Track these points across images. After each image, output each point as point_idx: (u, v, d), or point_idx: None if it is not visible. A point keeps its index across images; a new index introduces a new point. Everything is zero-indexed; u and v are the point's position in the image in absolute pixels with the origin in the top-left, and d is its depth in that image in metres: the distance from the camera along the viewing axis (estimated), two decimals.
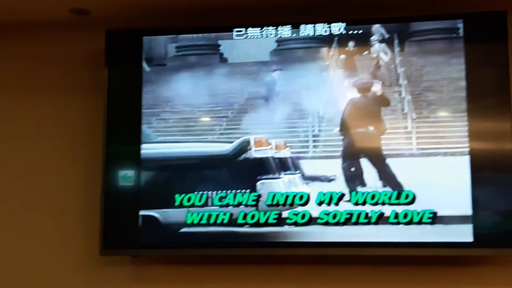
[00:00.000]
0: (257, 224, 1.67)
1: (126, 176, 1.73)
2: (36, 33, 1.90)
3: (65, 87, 1.88)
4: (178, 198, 1.70)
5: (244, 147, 1.70)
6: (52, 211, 1.81)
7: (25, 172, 1.84)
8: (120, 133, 1.75)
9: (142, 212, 1.70)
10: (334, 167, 1.69)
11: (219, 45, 1.77)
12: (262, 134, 1.71)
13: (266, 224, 1.67)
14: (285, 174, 1.70)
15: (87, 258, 1.77)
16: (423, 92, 1.70)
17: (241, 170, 1.70)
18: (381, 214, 1.64)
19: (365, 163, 1.69)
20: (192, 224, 1.69)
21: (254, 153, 1.70)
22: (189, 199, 1.69)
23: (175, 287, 1.76)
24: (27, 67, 1.90)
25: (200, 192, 1.69)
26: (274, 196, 1.67)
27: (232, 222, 1.68)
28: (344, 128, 1.70)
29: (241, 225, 1.68)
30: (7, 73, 1.93)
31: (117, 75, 1.80)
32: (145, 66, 1.78)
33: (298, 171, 1.70)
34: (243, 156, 1.70)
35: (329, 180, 1.68)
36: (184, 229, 1.70)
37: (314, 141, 1.72)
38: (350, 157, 1.70)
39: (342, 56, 1.73)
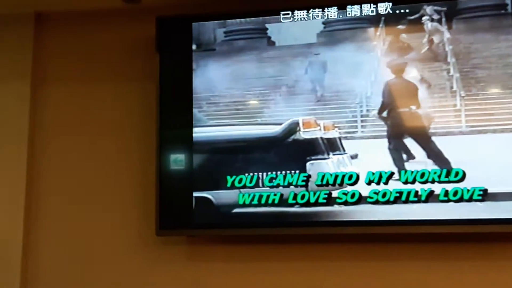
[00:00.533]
0: (307, 204, 1.72)
1: (179, 159, 1.79)
2: (88, 22, 1.98)
3: (119, 74, 1.95)
4: (229, 179, 1.75)
5: (292, 128, 1.74)
6: (110, 195, 1.89)
7: (84, 156, 1.92)
8: (173, 117, 1.81)
9: (195, 194, 1.77)
10: (382, 147, 1.72)
11: (266, 29, 1.81)
12: (310, 116, 1.75)
13: (316, 204, 1.72)
14: (334, 155, 1.73)
15: (144, 238, 1.83)
16: (471, 70, 1.70)
17: (290, 152, 1.74)
18: (431, 192, 1.66)
19: (410, 142, 1.71)
20: (244, 205, 1.75)
21: (303, 134, 1.74)
22: (240, 181, 1.75)
23: (228, 266, 1.80)
24: (82, 56, 1.98)
25: (251, 174, 1.74)
26: (323, 176, 1.71)
27: (283, 202, 1.73)
28: (383, 110, 1.73)
29: (292, 205, 1.73)
30: (62, 62, 1.99)
31: (168, 61, 1.85)
32: (195, 51, 1.83)
33: (346, 152, 1.73)
34: (292, 137, 1.74)
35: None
36: (236, 210, 1.75)
37: (362, 121, 1.74)
38: (396, 137, 1.72)
39: (389, 36, 1.74)
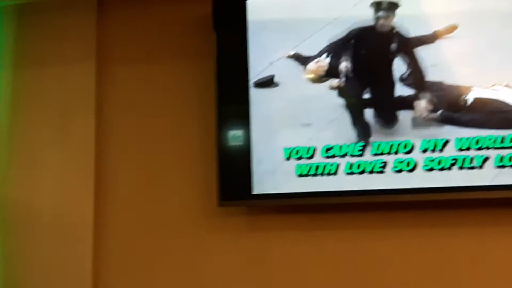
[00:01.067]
0: (362, 172, 1.80)
1: (238, 134, 1.91)
2: (147, 4, 2.09)
3: (178, 53, 2.07)
4: (286, 151, 1.85)
5: None
6: (174, 169, 2.03)
7: (148, 132, 2.06)
8: (230, 94, 1.92)
9: (254, 166, 1.87)
10: None
11: None
12: None
13: (371, 172, 1.79)
14: None
15: (206, 210, 1.96)
16: None
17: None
18: (486, 158, 1.72)
19: None
20: (301, 175, 1.84)
21: None
22: (297, 152, 1.85)
23: (287, 234, 1.91)
24: (142, 36, 2.12)
25: (307, 146, 1.85)
26: (378, 145, 1.79)
27: (339, 172, 1.81)
28: None
29: (348, 174, 1.81)
30: (124, 43, 2.14)
31: (224, 38, 1.95)
32: (249, 29, 1.92)
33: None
34: None
35: None
36: (293, 180, 1.84)
37: None
38: None
39: None
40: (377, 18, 1.84)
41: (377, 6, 1.84)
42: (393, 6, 1.83)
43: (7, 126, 2.16)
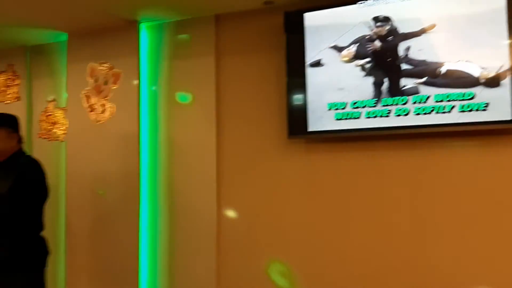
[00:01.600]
0: (375, 117, 2.71)
1: (299, 98, 2.87)
2: (245, 19, 3.09)
3: (265, 47, 3.03)
4: (329, 105, 2.83)
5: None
6: (262, 118, 3.05)
7: (248, 97, 3.10)
8: (295, 71, 2.89)
9: (309, 114, 2.87)
10: None
11: None
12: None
13: (381, 116, 2.69)
14: None
15: (280, 141, 2.96)
16: None
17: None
18: (453, 106, 2.65)
19: None
20: (337, 119, 2.79)
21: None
22: (335, 105, 2.80)
23: (330, 155, 2.87)
24: (244, 39, 3.12)
25: (342, 101, 2.81)
26: (386, 100, 2.73)
27: (361, 116, 2.74)
28: None
29: (366, 118, 2.73)
30: (232, 46, 3.15)
31: (291, 38, 2.88)
32: (306, 31, 2.86)
33: None
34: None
35: None
36: (333, 122, 2.81)
37: None
38: None
39: None
40: (376, 27, 2.76)
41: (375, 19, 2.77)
42: (386, 19, 2.75)
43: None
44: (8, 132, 2.87)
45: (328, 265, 2.87)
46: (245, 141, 3.14)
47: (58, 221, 3.70)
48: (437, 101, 2.65)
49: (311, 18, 2.90)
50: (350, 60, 2.85)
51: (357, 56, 2.84)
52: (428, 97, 2.66)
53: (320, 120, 2.88)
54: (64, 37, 3.76)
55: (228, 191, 3.18)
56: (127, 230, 3.36)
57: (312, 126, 2.89)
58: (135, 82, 3.41)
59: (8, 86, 4.15)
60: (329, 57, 2.87)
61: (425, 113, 2.67)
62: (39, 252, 2.91)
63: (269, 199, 3.06)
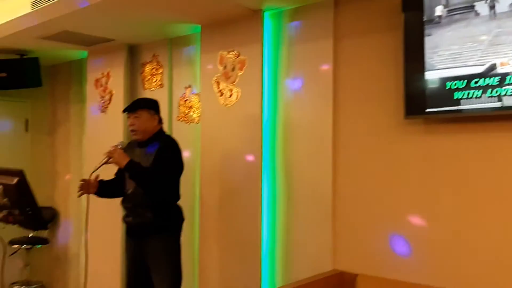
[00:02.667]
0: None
1: (418, 79, 2.82)
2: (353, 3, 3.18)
3: (383, 27, 3.04)
4: (448, 84, 2.76)
5: (492, 66, 2.61)
6: (381, 98, 3.05)
7: (367, 75, 3.16)
8: (412, 61, 2.84)
9: (427, 95, 2.83)
10: None
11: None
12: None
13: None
14: None
15: (398, 121, 2.94)
16: None
17: None
18: None
19: None
20: (457, 99, 2.72)
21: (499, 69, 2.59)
22: (455, 84, 2.72)
23: (448, 135, 2.77)
24: (360, 22, 3.19)
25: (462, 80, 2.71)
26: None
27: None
28: None
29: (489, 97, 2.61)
30: (348, 28, 3.22)
31: (408, 15, 2.84)
32: (425, 8, 2.81)
33: None
34: (492, 72, 2.61)
35: None
36: (452, 102, 2.72)
37: None
38: None
39: None
40: None
41: None
42: None
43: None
44: (151, 114, 3.40)
45: (448, 248, 2.84)
46: (362, 122, 3.19)
47: (194, 193, 4.15)
48: None
49: None
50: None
51: None
52: None
53: (439, 100, 2.79)
54: (198, 29, 4.17)
55: (344, 170, 3.30)
56: (250, 202, 3.67)
57: (430, 106, 2.83)
58: (259, 67, 3.67)
59: (153, 75, 4.73)
60: None
61: None
62: (177, 218, 3.40)
63: (385, 179, 3.10)
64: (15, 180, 2.83)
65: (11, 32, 4.46)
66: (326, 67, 3.36)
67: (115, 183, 3.38)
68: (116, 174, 3.46)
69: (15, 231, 5.33)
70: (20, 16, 4.27)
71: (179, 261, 3.33)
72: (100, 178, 3.27)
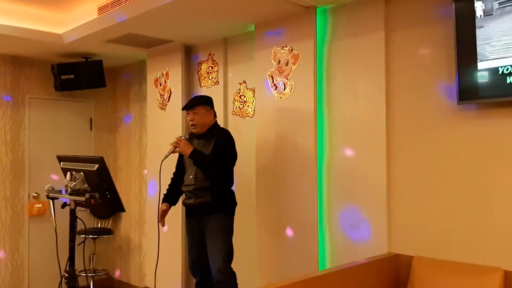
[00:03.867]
0: None
1: (468, 62, 2.95)
2: None
3: (430, 19, 3.17)
4: (500, 68, 2.84)
5: None
6: (435, 85, 3.19)
7: (421, 61, 3.31)
8: (465, 52, 2.93)
9: (480, 79, 2.90)
10: None
11: None
12: None
13: None
14: None
15: (452, 106, 3.05)
16: None
17: None
18: None
19: None
20: (509, 84, 2.79)
21: None
22: (507, 69, 2.79)
23: (501, 120, 2.85)
24: (414, 11, 3.30)
25: None
26: None
27: None
28: None
29: None
30: (399, 16, 3.40)
31: (461, 13, 2.93)
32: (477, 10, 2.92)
33: None
34: None
35: None
36: (506, 87, 2.79)
37: None
38: None
39: None
40: None
41: None
42: None
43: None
44: (207, 110, 3.83)
45: (505, 229, 2.91)
46: (415, 109, 3.32)
47: (250, 181, 4.37)
48: None
49: None
50: None
51: None
52: None
53: (492, 85, 2.88)
54: (251, 27, 4.40)
55: (398, 156, 3.42)
56: (306, 190, 3.86)
57: (483, 92, 2.92)
58: (312, 62, 3.85)
59: (209, 73, 5.01)
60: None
61: None
62: (231, 201, 3.79)
63: (438, 163, 3.20)
64: (95, 167, 3.14)
65: (80, 36, 4.84)
66: (378, 58, 3.53)
67: (175, 186, 3.89)
68: (177, 165, 3.94)
69: (82, 221, 5.79)
70: (88, 21, 4.64)
71: (231, 239, 3.72)
72: (164, 207, 3.84)
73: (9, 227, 5.58)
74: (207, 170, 3.57)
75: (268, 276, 4.10)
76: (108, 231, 6.06)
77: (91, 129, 6.32)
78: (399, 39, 3.43)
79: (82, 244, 5.83)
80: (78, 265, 6.02)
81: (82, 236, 5.89)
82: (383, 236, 3.49)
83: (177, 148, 3.60)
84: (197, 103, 3.75)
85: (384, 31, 3.50)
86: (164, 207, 3.81)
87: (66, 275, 3.38)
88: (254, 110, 4.50)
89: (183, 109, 3.88)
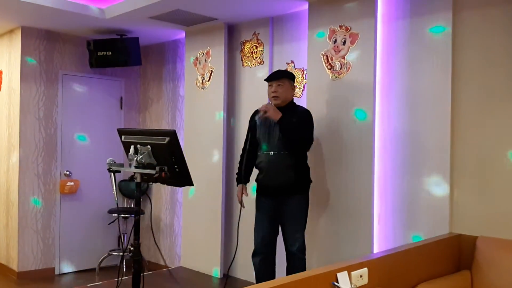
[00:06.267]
0: None
1: None
2: None
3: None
4: None
5: None
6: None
7: (493, 48, 3.31)
8: None
9: None
10: None
11: None
12: None
13: None
14: None
15: None
16: None
17: None
18: None
19: None
20: None
21: None
22: None
23: None
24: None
25: None
26: None
27: None
28: None
29: None
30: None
31: None
32: None
33: None
34: None
35: None
36: None
37: None
38: None
39: None
40: None
41: None
42: None
43: None
44: (291, 84, 3.79)
45: None
46: (481, 86, 3.31)
47: None
48: None
49: None
50: None
51: None
52: None
53: None
54: (304, 6, 4.34)
55: (463, 135, 3.42)
56: (362, 167, 3.87)
57: None
58: (371, 41, 3.83)
59: (252, 52, 4.95)
60: None
61: None
62: (309, 179, 3.74)
63: (504, 142, 3.22)
64: (166, 140, 3.09)
65: (124, 11, 4.75)
66: (445, 37, 3.51)
67: (249, 163, 3.80)
68: (251, 140, 3.84)
69: (113, 201, 5.75)
70: None
71: (307, 216, 3.73)
72: (243, 193, 3.84)
73: (41, 205, 5.52)
74: (293, 138, 3.53)
75: (324, 257, 4.10)
76: (140, 211, 6.00)
77: (121, 108, 6.24)
78: (468, 18, 3.42)
79: (116, 222, 5.83)
80: (110, 245, 6.03)
81: (114, 215, 5.90)
82: (444, 216, 3.50)
83: (267, 113, 3.54)
84: (284, 75, 3.69)
85: (452, 10, 3.48)
86: (243, 191, 3.82)
87: (132, 248, 3.32)
88: (302, 90, 4.46)
89: (266, 80, 3.75)
